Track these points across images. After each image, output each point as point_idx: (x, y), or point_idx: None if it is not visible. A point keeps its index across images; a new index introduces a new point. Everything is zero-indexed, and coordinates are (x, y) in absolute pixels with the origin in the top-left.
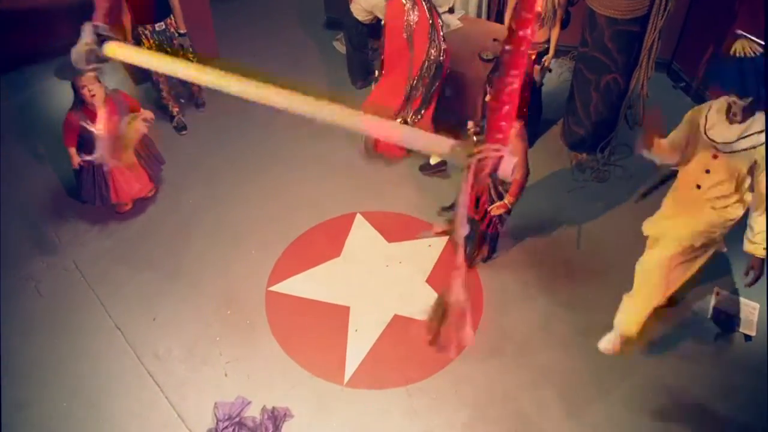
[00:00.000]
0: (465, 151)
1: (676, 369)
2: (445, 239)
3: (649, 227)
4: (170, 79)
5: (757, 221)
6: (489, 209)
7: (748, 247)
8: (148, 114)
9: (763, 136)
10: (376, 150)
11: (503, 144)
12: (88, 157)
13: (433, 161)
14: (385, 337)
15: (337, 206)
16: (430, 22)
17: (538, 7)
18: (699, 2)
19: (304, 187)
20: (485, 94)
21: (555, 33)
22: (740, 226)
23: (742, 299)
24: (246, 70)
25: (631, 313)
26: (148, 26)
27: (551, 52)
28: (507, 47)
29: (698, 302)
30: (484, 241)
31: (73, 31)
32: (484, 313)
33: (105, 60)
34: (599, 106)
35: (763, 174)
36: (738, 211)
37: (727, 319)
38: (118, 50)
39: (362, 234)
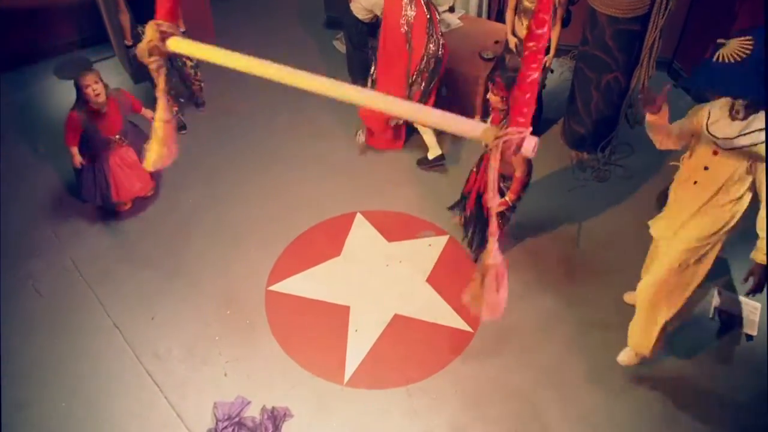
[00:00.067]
0: (492, 134)
1: (678, 369)
2: (444, 239)
3: (653, 229)
4: (170, 79)
5: (761, 227)
6: (489, 206)
7: (753, 253)
8: (148, 113)
9: (763, 135)
10: (369, 144)
11: (525, 127)
12: None
13: (430, 156)
14: (385, 336)
15: (337, 205)
16: (428, 17)
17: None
18: (700, 1)
19: (304, 186)
20: (486, 92)
21: (556, 32)
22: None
23: (743, 299)
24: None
25: (639, 335)
26: None
27: (552, 51)
28: (528, 44)
29: (700, 302)
30: (484, 241)
31: (72, 30)
32: None
33: (166, 55)
34: (600, 105)
35: (764, 174)
36: (736, 210)
37: (728, 319)
38: (181, 45)
39: (362, 233)
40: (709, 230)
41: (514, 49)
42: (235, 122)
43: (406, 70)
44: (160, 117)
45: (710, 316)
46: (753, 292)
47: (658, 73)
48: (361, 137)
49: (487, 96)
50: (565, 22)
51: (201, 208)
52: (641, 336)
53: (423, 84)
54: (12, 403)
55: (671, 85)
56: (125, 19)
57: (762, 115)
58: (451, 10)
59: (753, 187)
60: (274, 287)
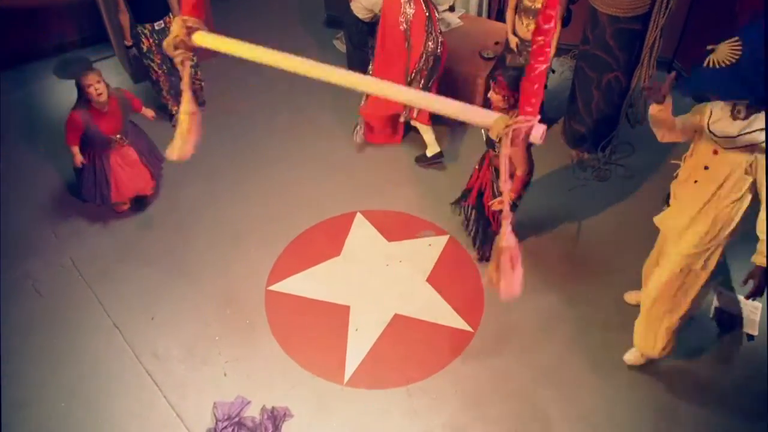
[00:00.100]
0: (503, 122)
1: (678, 369)
2: (444, 238)
3: (659, 223)
4: (170, 78)
5: (761, 229)
6: (490, 204)
7: (753, 256)
8: (149, 112)
9: (763, 135)
10: (368, 140)
11: (533, 116)
12: None
13: (429, 153)
14: (385, 336)
15: (337, 205)
16: (427, 14)
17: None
18: (700, 1)
19: (304, 185)
20: (487, 91)
21: (555, 32)
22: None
23: (744, 299)
24: None
25: (644, 336)
26: (147, 25)
27: (552, 51)
28: (537, 38)
29: (700, 302)
30: (486, 239)
31: (71, 29)
32: (485, 313)
33: (193, 49)
34: (600, 104)
35: (764, 174)
36: (736, 211)
37: (729, 319)
38: (207, 39)
39: (362, 233)
40: (710, 234)
41: (515, 49)
42: (235, 121)
43: (405, 68)
44: (185, 109)
45: (710, 316)
46: (753, 295)
47: (659, 73)
48: (359, 134)
49: (489, 95)
50: (566, 22)
51: (201, 208)
52: (646, 337)
53: (422, 82)
54: (11, 402)
55: (675, 74)
56: (125, 19)
57: (763, 115)
58: (451, 9)
59: (753, 188)
60: (274, 287)
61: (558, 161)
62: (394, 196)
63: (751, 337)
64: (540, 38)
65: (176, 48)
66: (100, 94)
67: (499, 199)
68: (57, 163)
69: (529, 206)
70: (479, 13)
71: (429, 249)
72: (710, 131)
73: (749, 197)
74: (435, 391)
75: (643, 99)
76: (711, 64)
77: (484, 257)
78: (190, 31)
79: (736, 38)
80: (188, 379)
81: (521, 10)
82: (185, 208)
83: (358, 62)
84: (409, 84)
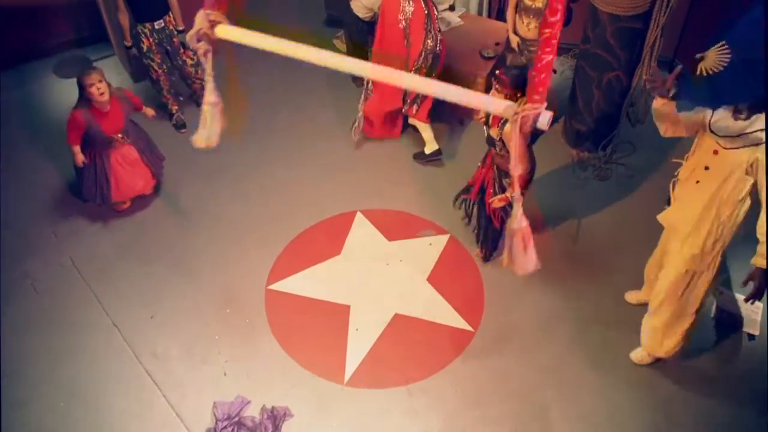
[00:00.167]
0: (512, 110)
1: (679, 369)
2: (445, 238)
3: (663, 221)
4: (170, 77)
5: (761, 231)
6: (490, 201)
7: (753, 258)
8: (149, 112)
9: (763, 135)
10: (368, 135)
11: (540, 104)
12: None
13: (427, 150)
14: (385, 336)
15: (337, 204)
16: (426, 12)
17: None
18: None
19: (304, 185)
20: (488, 90)
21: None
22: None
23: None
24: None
25: (651, 336)
26: (147, 25)
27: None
28: (544, 30)
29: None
30: (487, 238)
31: (71, 28)
32: (485, 312)
33: (215, 41)
34: (601, 103)
35: (764, 175)
36: (737, 213)
37: (730, 319)
38: (229, 32)
39: (362, 232)
40: (713, 235)
41: (516, 48)
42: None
43: (403, 66)
44: (208, 100)
45: (711, 315)
46: (753, 297)
47: (660, 72)
48: (358, 129)
49: (491, 93)
50: (566, 21)
51: (200, 207)
52: (653, 337)
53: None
54: (10, 402)
55: (681, 68)
56: (124, 19)
57: (764, 115)
58: (452, 8)
59: (753, 190)
60: (274, 286)
61: (558, 160)
62: (395, 195)
63: (752, 336)
64: (547, 30)
65: (199, 40)
66: (102, 94)
67: (499, 196)
68: (57, 162)
69: (529, 205)
70: (479, 12)
71: (429, 248)
72: (711, 131)
73: (750, 199)
74: (435, 391)
75: (644, 98)
76: (701, 73)
77: (486, 257)
78: (212, 24)
79: (723, 43)
80: (188, 378)
81: (522, 10)
82: (185, 207)
83: None
84: None
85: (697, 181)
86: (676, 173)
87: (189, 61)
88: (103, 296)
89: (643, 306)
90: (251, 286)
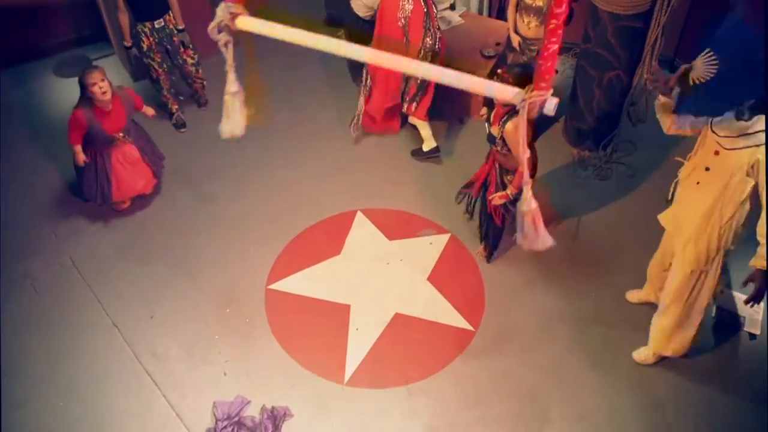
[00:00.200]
0: (520, 97)
1: (679, 368)
2: (445, 237)
3: (664, 221)
4: (170, 77)
5: (761, 233)
6: (491, 198)
7: (753, 260)
8: (149, 111)
9: (763, 136)
10: (368, 130)
11: (547, 90)
12: None
13: (425, 148)
14: (385, 336)
15: (337, 204)
16: (425, 10)
17: None
18: None
19: (304, 184)
20: None
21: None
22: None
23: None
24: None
25: (659, 335)
26: (147, 24)
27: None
28: (550, 21)
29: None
30: (488, 236)
31: (71, 28)
32: (486, 312)
33: (235, 33)
34: (602, 102)
35: (764, 176)
36: (738, 214)
37: (731, 318)
38: (249, 23)
39: (363, 231)
40: (716, 237)
41: (517, 47)
42: None
43: None
44: (229, 90)
45: (712, 315)
46: (753, 299)
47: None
48: (356, 126)
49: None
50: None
51: (200, 207)
52: (660, 337)
53: (420, 78)
54: (10, 402)
55: (684, 67)
56: (124, 19)
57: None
58: (452, 7)
59: (754, 191)
60: (274, 286)
61: (559, 159)
62: (395, 194)
63: (753, 336)
64: (553, 21)
65: (220, 31)
66: (104, 93)
67: (499, 194)
68: (57, 162)
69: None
70: (480, 11)
71: (430, 248)
72: (713, 131)
73: (750, 201)
74: (435, 391)
75: (645, 97)
76: (691, 82)
77: (488, 258)
78: (233, 16)
79: (708, 50)
80: (188, 378)
81: (522, 9)
82: (185, 207)
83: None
84: (407, 80)
85: (698, 182)
86: (678, 173)
87: (189, 60)
88: (102, 296)
89: (644, 305)
90: (251, 285)
